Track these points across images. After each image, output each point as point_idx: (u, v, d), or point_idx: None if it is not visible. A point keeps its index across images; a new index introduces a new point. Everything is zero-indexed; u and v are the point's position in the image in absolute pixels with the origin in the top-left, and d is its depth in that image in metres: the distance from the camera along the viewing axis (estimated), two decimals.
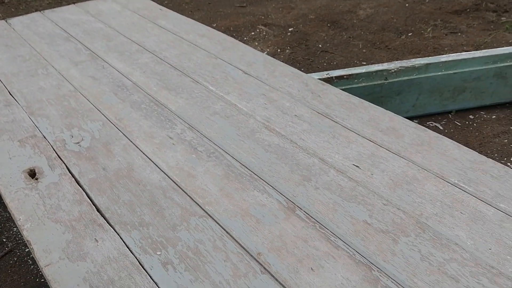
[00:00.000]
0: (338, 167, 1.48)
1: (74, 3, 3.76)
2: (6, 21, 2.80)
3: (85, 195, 1.39)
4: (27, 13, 2.92)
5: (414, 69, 2.32)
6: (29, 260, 1.72)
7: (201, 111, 1.81)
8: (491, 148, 2.29)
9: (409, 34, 3.61)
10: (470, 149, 1.57)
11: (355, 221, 1.27)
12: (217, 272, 1.13)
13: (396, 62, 2.34)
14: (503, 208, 1.31)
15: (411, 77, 2.32)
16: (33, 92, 1.98)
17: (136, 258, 1.17)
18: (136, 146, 1.60)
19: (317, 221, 1.27)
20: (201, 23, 3.87)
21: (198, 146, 1.60)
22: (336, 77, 2.26)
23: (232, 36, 3.58)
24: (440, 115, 2.52)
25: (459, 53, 2.41)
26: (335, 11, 3.90)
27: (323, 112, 1.78)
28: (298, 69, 3.16)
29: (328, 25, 3.68)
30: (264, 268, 1.14)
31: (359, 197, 1.35)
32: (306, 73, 3.10)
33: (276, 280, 1.11)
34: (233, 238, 1.23)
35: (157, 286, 1.10)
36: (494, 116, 2.50)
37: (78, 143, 1.64)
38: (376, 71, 2.28)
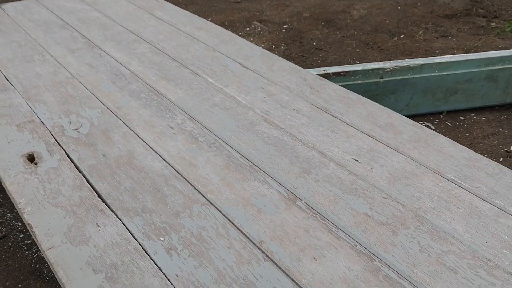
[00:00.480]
0: (338, 161, 1.50)
1: None
2: None
3: (85, 181, 1.38)
4: None
5: (409, 69, 2.35)
6: (23, 246, 1.70)
7: (201, 102, 1.81)
8: (481, 149, 2.34)
9: (401, 36, 3.66)
10: (465, 147, 1.60)
11: (356, 213, 1.29)
12: (221, 258, 1.14)
13: (392, 61, 2.37)
14: (498, 204, 1.34)
15: (406, 76, 2.36)
16: (30, 78, 1.96)
17: (139, 243, 1.17)
18: (137, 134, 1.60)
19: (318, 212, 1.29)
20: None
21: (199, 137, 1.60)
22: (333, 73, 2.28)
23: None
24: (432, 115, 2.56)
25: (452, 55, 2.46)
26: (329, 10, 3.94)
27: (321, 106, 1.80)
28: None
29: (322, 23, 3.71)
30: (267, 255, 1.15)
31: (359, 190, 1.37)
32: None
33: (279, 267, 1.12)
34: (235, 226, 1.24)
35: (161, 271, 1.10)
36: (484, 118, 2.56)
37: (77, 129, 1.62)
38: (372, 69, 2.31)
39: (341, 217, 1.28)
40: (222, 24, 3.62)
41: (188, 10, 4.07)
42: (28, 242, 1.73)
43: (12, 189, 1.34)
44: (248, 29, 3.56)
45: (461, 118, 2.57)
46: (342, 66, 2.33)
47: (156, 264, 1.12)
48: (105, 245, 1.16)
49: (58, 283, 1.62)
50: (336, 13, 3.91)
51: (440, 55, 3.35)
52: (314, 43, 3.40)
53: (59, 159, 1.47)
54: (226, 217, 1.26)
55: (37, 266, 1.63)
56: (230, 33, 2.44)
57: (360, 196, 1.35)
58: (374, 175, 1.44)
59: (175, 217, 1.26)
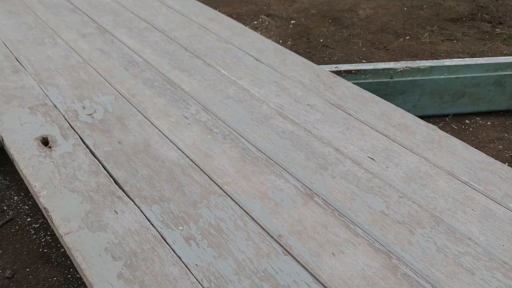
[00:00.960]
0: (354, 158, 1.50)
1: None
2: None
3: (102, 167, 1.37)
4: None
5: (419, 70, 2.36)
6: (31, 230, 1.69)
7: (215, 94, 1.80)
8: (486, 153, 2.35)
9: (407, 38, 3.66)
10: (478, 150, 1.61)
11: (373, 211, 1.29)
12: (240, 250, 1.13)
13: (403, 62, 2.37)
14: None
15: (415, 78, 2.37)
16: (41, 60, 1.94)
17: (158, 231, 1.16)
18: (152, 123, 1.59)
19: (336, 209, 1.29)
20: None
21: (213, 128, 1.60)
22: (345, 71, 2.28)
23: None
24: (438, 118, 2.57)
25: (462, 59, 2.47)
26: (336, 8, 3.93)
27: (336, 103, 1.80)
28: None
29: (330, 21, 3.70)
30: (286, 250, 1.15)
31: (375, 189, 1.38)
32: None
33: (298, 262, 1.12)
34: (253, 219, 1.23)
35: (181, 260, 1.09)
36: (489, 123, 2.58)
37: (91, 115, 1.61)
38: (383, 69, 2.32)
39: (358, 215, 1.28)
40: (229, 17, 3.60)
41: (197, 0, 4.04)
42: (36, 226, 1.71)
43: (26, 172, 1.32)
44: (255, 22, 3.54)
45: (467, 121, 2.58)
46: (354, 64, 2.33)
47: (175, 253, 1.11)
48: (124, 232, 1.15)
49: (66, 268, 1.61)
50: (343, 11, 3.90)
51: (446, 58, 3.37)
52: (321, 40, 3.40)
53: (74, 144, 1.45)
54: (244, 210, 1.26)
55: (45, 250, 1.62)
56: (242, 25, 2.43)
57: (376, 194, 1.35)
58: (389, 174, 1.45)
59: (192, 207, 1.25)
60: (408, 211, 1.31)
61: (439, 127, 2.53)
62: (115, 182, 1.31)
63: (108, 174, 1.34)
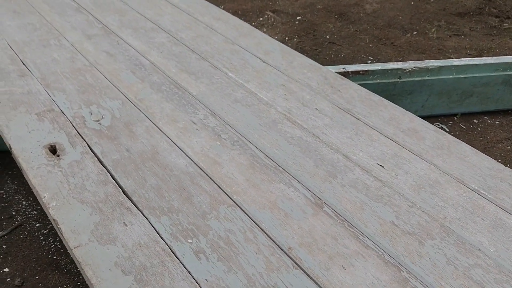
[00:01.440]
0: (363, 165, 1.49)
1: None
2: None
3: (110, 176, 1.37)
4: None
5: (427, 70, 2.34)
6: (40, 236, 1.69)
7: (223, 97, 1.79)
8: (494, 153, 2.34)
9: (414, 33, 3.63)
10: (487, 156, 1.60)
11: (383, 221, 1.29)
12: (250, 264, 1.13)
13: (411, 62, 2.35)
14: None
15: (424, 78, 2.34)
16: (47, 63, 1.93)
17: (167, 245, 1.16)
18: (159, 129, 1.58)
19: (346, 219, 1.28)
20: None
21: (222, 133, 1.59)
22: (352, 72, 2.26)
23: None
24: (446, 117, 2.55)
25: (471, 58, 2.44)
26: (342, 3, 3.89)
27: (344, 107, 1.78)
28: None
29: (336, 16, 3.67)
30: (296, 263, 1.15)
31: (385, 198, 1.37)
32: None
33: (308, 276, 1.12)
34: (263, 230, 1.23)
35: (191, 275, 1.09)
36: (497, 122, 2.55)
37: (98, 121, 1.60)
38: (391, 69, 2.29)
39: (368, 225, 1.27)
40: (235, 13, 3.57)
41: None
42: (45, 232, 1.71)
43: (35, 182, 1.32)
44: (261, 19, 3.52)
45: (475, 121, 2.56)
46: (361, 65, 2.31)
47: (185, 267, 1.11)
48: (133, 245, 1.15)
49: (76, 275, 1.62)
50: (349, 6, 3.87)
51: (453, 54, 3.34)
52: (328, 37, 3.37)
53: (82, 152, 1.45)
54: (253, 221, 1.26)
55: (55, 257, 1.62)
56: (248, 25, 2.41)
57: (386, 204, 1.35)
58: (399, 182, 1.44)
59: (202, 218, 1.25)
60: (418, 221, 1.30)
61: (447, 127, 2.52)
62: (124, 192, 1.31)
63: (117, 183, 1.34)
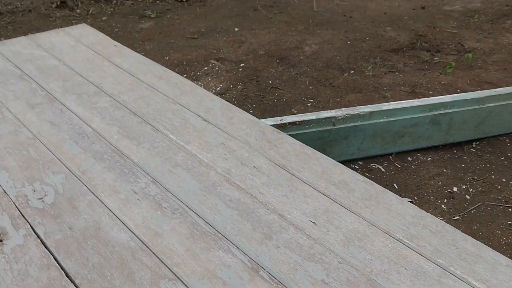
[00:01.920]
0: (297, 224, 1.60)
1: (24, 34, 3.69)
2: None
3: (53, 258, 1.41)
4: None
5: (359, 116, 2.51)
6: None
7: (163, 162, 1.87)
8: (427, 190, 2.52)
9: (351, 72, 3.84)
10: (411, 204, 1.74)
11: (314, 280, 1.39)
12: None
13: (343, 109, 2.52)
14: (441, 263, 1.48)
15: (357, 123, 2.51)
16: None
17: None
18: (102, 202, 1.64)
19: (280, 282, 1.38)
20: (154, 55, 3.91)
21: (163, 202, 1.67)
22: (289, 123, 2.40)
23: (185, 70, 3.65)
24: (382, 157, 2.73)
25: (399, 102, 2.64)
26: (283, 47, 4.09)
27: (280, 163, 1.90)
28: (250, 105, 3.30)
29: (277, 61, 3.84)
30: None
31: (316, 256, 1.48)
32: (258, 109, 3.24)
33: None
34: None
35: None
36: (429, 158, 2.75)
37: (41, 199, 1.65)
38: (325, 118, 2.45)
39: (301, 286, 1.37)
40: (180, 63, 3.69)
41: (145, 48, 4.12)
42: None
43: None
44: (206, 68, 3.64)
45: (409, 159, 2.75)
46: (298, 115, 2.46)
47: None
48: None
49: None
50: (289, 50, 4.06)
51: (388, 92, 3.56)
52: (270, 82, 3.53)
53: (25, 234, 1.49)
54: None
55: None
56: (190, 82, 2.52)
57: (317, 262, 1.45)
58: (330, 238, 1.55)
59: None
60: (346, 277, 1.41)
61: (383, 167, 2.69)
62: (67, 275, 1.36)
63: (60, 266, 1.38)
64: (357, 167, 2.67)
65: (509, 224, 2.36)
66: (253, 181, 1.80)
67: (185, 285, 1.35)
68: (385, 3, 5.35)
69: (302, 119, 2.42)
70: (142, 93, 2.38)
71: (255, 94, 3.35)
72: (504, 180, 2.61)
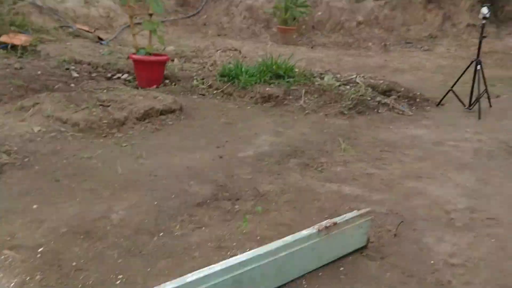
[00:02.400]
0: None
1: None
2: None
3: None
4: None
5: None
6: None
7: None
8: None
9: (161, 234, 3.91)
10: None
11: None
12: None
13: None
14: None
15: None
16: None
17: None
18: None
19: None
20: None
21: None
22: None
23: None
24: None
25: (200, 270, 2.76)
26: (88, 219, 3.99)
27: None
28: None
29: (82, 237, 3.71)
30: None
31: None
32: None
33: None
34: None
35: None
36: None
37: None
38: None
39: None
40: None
41: None
42: None
43: None
44: None
45: None
46: None
47: None
48: None
49: None
50: (95, 221, 3.98)
51: (197, 251, 3.69)
52: (74, 263, 3.35)
53: None
54: None
55: None
56: None
57: None
58: None
59: None
60: None
61: None
62: None
63: None
64: None
65: None
66: None
67: None
68: (187, 156, 5.73)
69: None
70: None
71: (57, 283, 3.12)
72: None
